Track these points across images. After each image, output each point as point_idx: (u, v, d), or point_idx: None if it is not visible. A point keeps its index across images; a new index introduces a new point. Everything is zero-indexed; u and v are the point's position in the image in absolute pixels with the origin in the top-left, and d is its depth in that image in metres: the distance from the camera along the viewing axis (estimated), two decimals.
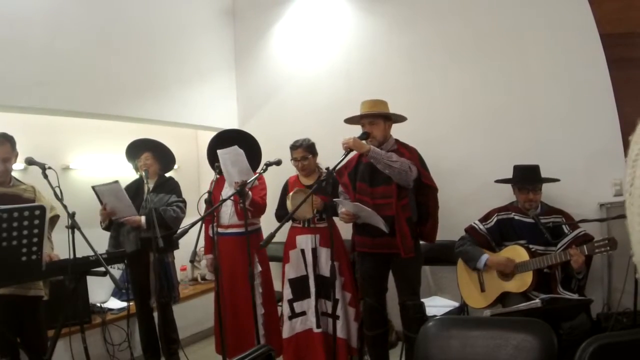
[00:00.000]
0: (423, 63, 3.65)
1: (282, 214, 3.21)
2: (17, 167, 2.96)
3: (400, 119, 2.85)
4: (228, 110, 4.51)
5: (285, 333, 3.17)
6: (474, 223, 2.89)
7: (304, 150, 3.19)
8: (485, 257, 2.72)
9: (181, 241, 2.95)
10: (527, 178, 2.78)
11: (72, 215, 2.43)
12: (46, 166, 2.49)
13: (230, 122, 4.42)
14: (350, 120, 2.86)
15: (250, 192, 3.03)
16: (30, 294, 2.47)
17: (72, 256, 2.40)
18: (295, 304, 3.17)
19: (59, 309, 2.47)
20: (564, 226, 2.65)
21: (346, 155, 2.65)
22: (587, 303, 2.47)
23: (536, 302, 2.20)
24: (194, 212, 2.96)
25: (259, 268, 3.21)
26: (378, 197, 2.70)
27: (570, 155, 3.10)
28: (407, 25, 3.72)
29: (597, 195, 3.01)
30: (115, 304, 3.56)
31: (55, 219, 2.62)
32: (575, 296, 2.50)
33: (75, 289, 2.51)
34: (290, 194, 3.02)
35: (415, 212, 2.73)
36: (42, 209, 2.10)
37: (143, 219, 3.07)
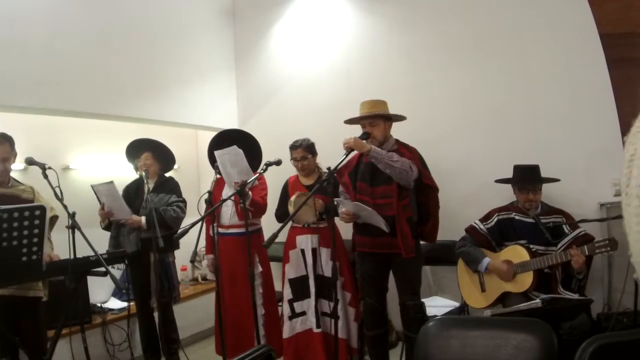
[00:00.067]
0: (423, 63, 3.65)
1: (281, 213, 3.22)
2: (17, 167, 2.96)
3: (399, 118, 2.85)
4: (228, 110, 4.51)
5: (286, 333, 3.17)
6: (475, 223, 2.89)
7: (304, 150, 3.19)
8: (487, 260, 2.72)
9: (181, 241, 2.95)
10: (527, 178, 2.78)
11: (72, 215, 2.43)
12: (46, 166, 2.49)
13: (230, 122, 4.42)
14: (350, 121, 2.86)
15: (250, 192, 3.03)
16: (30, 295, 2.47)
17: (72, 256, 2.40)
18: (295, 304, 3.17)
19: (59, 309, 2.46)
20: (564, 226, 2.65)
21: (347, 155, 2.64)
22: (587, 303, 2.47)
23: (536, 302, 2.20)
24: (194, 212, 2.96)
25: (260, 268, 3.21)
26: (378, 197, 2.70)
27: (570, 155, 3.10)
28: (407, 25, 3.72)
29: (597, 195, 3.00)
30: (115, 304, 3.56)
31: (54, 219, 2.61)
32: (576, 296, 2.50)
33: (76, 289, 2.51)
34: (292, 199, 3.01)
35: (415, 212, 2.72)
36: (42, 209, 2.10)
37: (143, 219, 3.08)
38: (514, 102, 3.31)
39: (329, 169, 2.57)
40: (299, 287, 3.16)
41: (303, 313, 3.16)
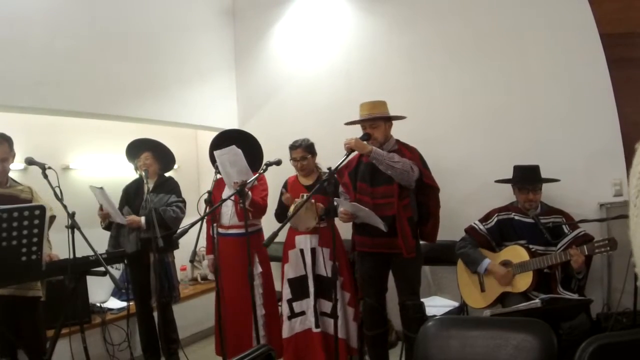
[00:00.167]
0: (423, 63, 3.64)
1: (281, 212, 3.21)
2: (17, 167, 2.96)
3: (400, 118, 2.84)
4: (228, 110, 4.51)
5: (285, 333, 3.17)
6: (474, 223, 2.89)
7: (303, 150, 3.19)
8: (487, 262, 2.71)
9: (181, 241, 2.96)
10: (527, 178, 2.78)
11: (72, 215, 2.44)
12: (46, 166, 2.49)
13: (230, 122, 4.42)
14: (351, 123, 2.86)
15: (250, 193, 3.03)
16: (29, 295, 2.48)
17: (72, 256, 2.40)
18: (294, 304, 3.17)
19: (58, 309, 2.47)
20: (564, 226, 2.65)
21: (348, 156, 2.65)
22: (587, 303, 2.47)
23: (536, 302, 2.20)
24: (194, 212, 2.96)
25: (260, 269, 3.21)
26: (378, 197, 2.70)
27: (570, 155, 3.10)
28: (407, 25, 3.72)
29: (597, 195, 3.01)
30: (115, 303, 3.57)
31: (51, 219, 2.61)
32: (575, 296, 2.50)
33: (75, 288, 2.51)
34: (292, 206, 3.00)
35: (416, 212, 2.73)
36: (42, 209, 2.10)
37: (143, 219, 3.08)
38: (514, 102, 3.31)
39: (329, 169, 2.56)
40: (298, 287, 3.16)
41: (302, 313, 3.16)
